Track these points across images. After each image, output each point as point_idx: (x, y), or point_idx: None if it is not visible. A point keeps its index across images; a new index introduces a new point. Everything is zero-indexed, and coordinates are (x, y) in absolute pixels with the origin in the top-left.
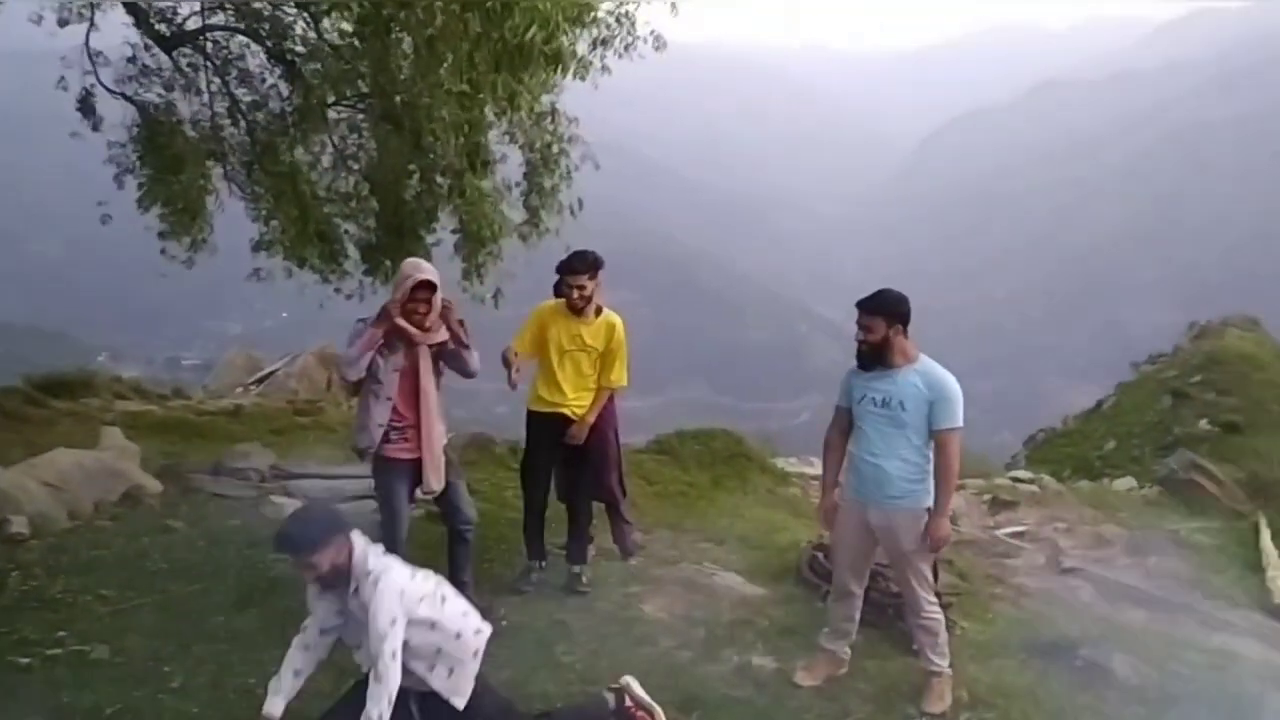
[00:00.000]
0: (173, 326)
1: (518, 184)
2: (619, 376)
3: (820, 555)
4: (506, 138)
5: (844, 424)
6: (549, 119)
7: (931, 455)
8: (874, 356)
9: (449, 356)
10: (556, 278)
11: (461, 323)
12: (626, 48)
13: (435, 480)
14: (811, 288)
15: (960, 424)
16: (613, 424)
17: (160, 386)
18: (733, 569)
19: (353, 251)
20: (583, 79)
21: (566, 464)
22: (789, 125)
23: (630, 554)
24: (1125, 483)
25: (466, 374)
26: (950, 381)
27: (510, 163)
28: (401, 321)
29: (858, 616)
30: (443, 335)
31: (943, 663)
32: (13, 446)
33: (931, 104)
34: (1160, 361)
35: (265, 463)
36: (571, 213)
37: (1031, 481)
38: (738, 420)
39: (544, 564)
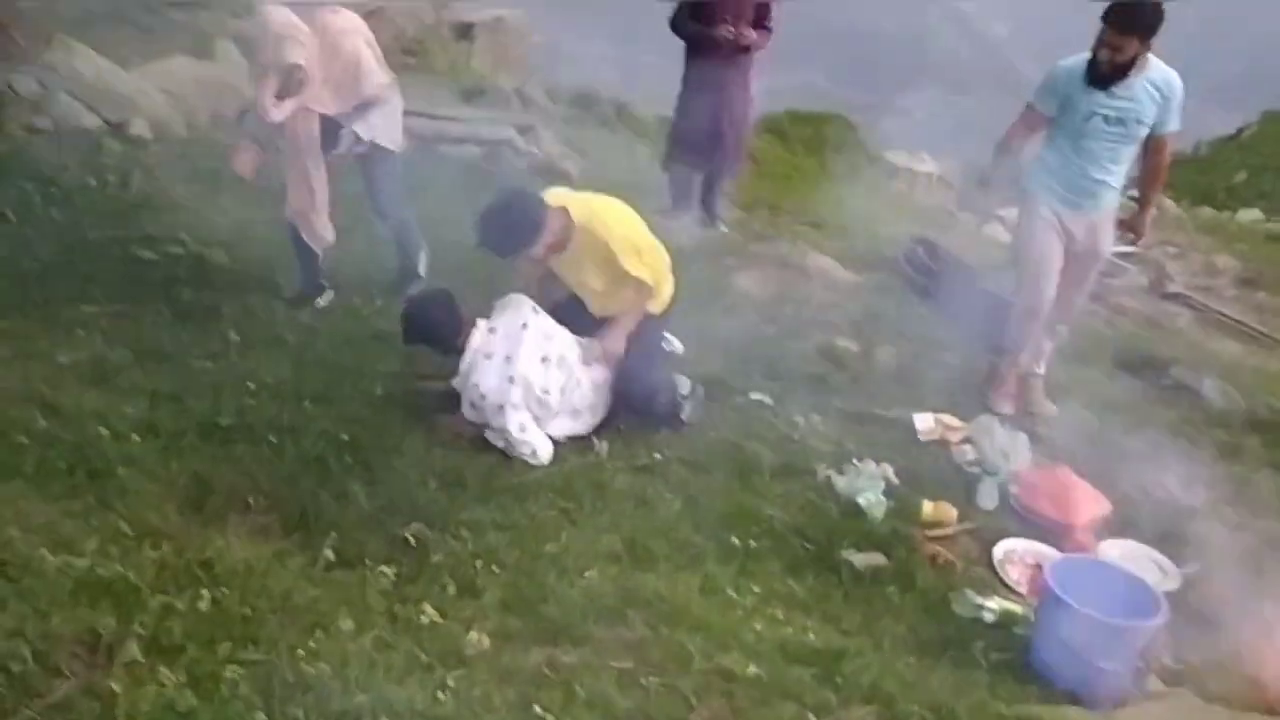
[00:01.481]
0: None
1: None
2: None
3: (920, 250)
4: None
5: (1036, 127)
6: None
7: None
8: (1117, 76)
9: None
10: None
11: None
12: None
13: None
14: None
15: (1179, 126)
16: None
17: None
18: (828, 254)
19: None
20: None
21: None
22: None
23: (717, 219)
24: (1250, 214)
25: None
26: (1178, 82)
27: None
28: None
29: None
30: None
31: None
32: (130, 52)
33: None
34: None
35: None
36: None
37: None
38: (852, 110)
39: None
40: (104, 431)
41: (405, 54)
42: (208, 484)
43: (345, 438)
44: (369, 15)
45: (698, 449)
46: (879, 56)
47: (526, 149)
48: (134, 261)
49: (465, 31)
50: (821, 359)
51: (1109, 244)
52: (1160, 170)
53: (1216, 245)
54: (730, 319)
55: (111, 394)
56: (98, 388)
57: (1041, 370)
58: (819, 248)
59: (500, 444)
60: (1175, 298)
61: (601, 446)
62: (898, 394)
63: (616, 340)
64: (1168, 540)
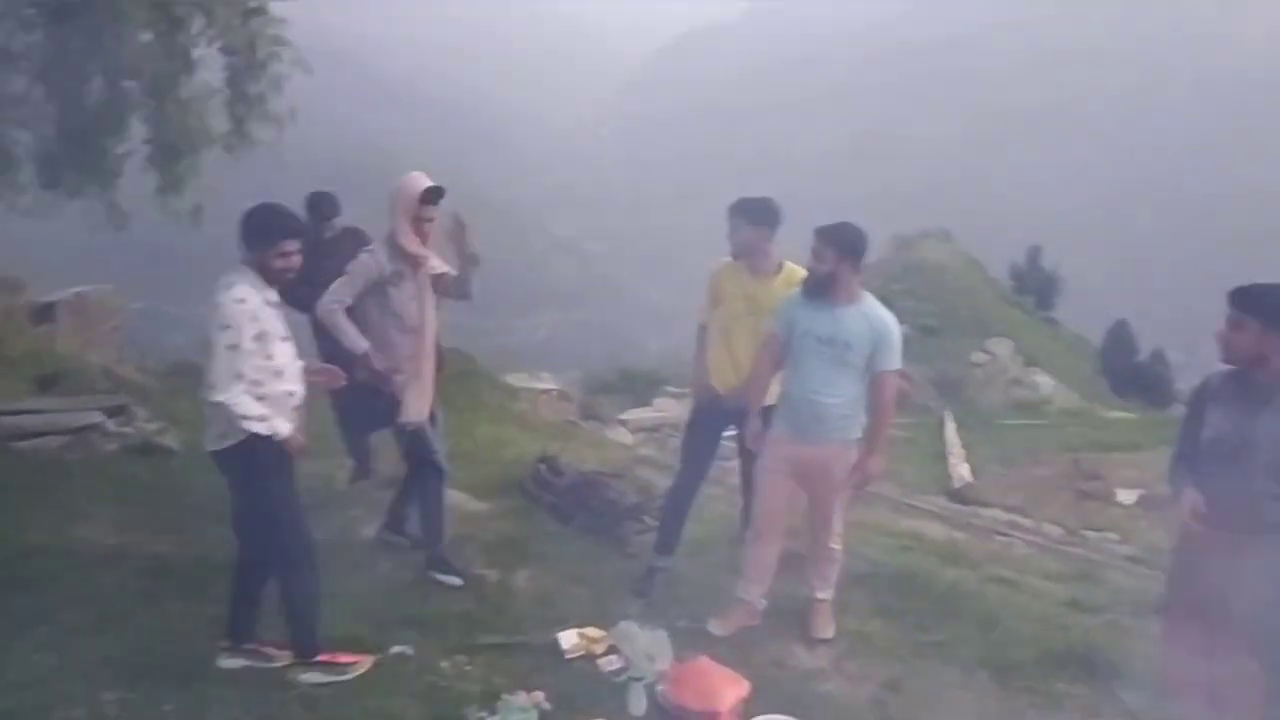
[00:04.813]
0: None
1: (220, 90)
2: None
3: (543, 467)
4: (203, 38)
5: (777, 352)
6: (255, 18)
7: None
8: (819, 287)
9: (449, 280)
10: (265, 193)
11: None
12: None
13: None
14: (546, 204)
15: (900, 365)
16: None
17: None
18: (457, 486)
19: (28, 163)
20: None
21: None
22: (518, 40)
23: None
24: None
25: (465, 296)
26: (894, 322)
27: (213, 67)
28: (414, 246)
29: (775, 563)
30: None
31: (831, 592)
32: None
33: (660, 19)
34: (865, 272)
35: None
36: (282, 124)
37: None
38: (475, 338)
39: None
40: None
41: None
42: None
43: None
44: None
45: None
46: (495, 284)
47: (118, 430)
48: None
49: (46, 313)
50: (462, 594)
51: (840, 478)
52: (883, 408)
53: None
54: (361, 573)
55: None
56: None
57: (825, 596)
58: (447, 481)
59: None
60: None
61: None
62: (542, 616)
63: None
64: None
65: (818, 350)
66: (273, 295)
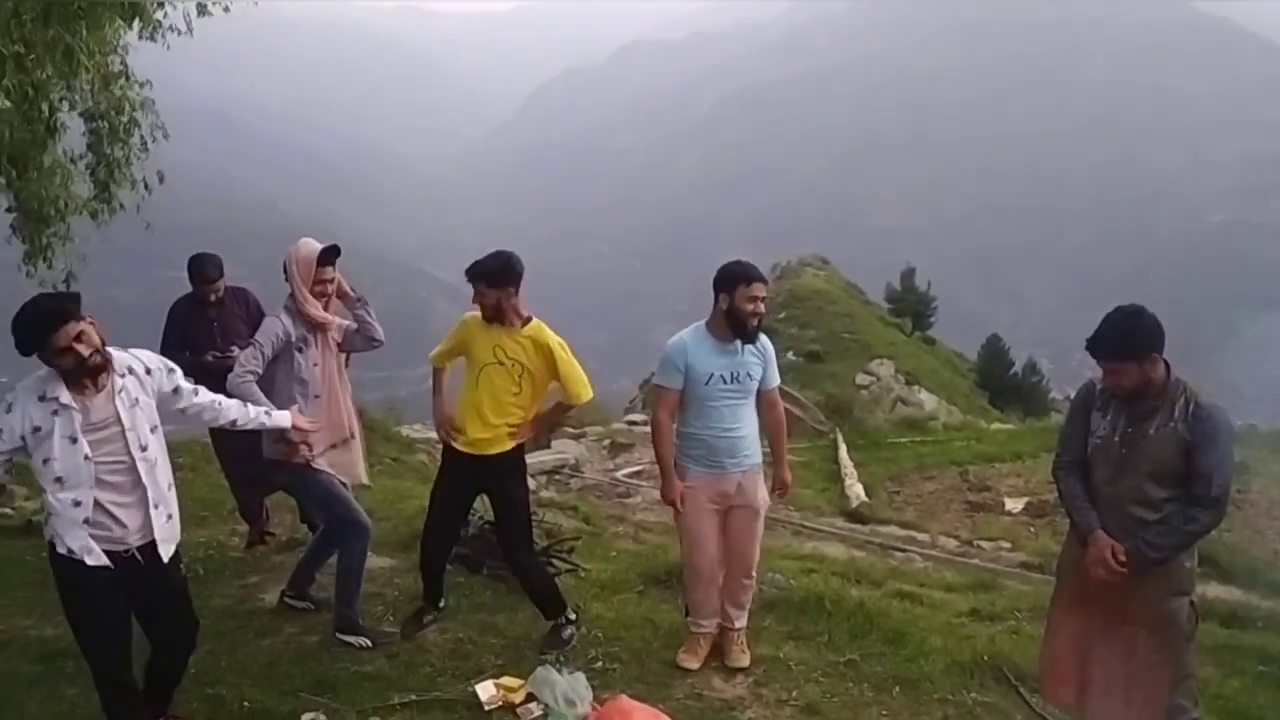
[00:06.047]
0: None
1: (82, 156)
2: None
3: None
4: (65, 104)
5: (674, 405)
6: (118, 82)
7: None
8: (758, 329)
9: (353, 334)
10: (136, 257)
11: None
12: (203, 7)
13: (364, 472)
14: (424, 250)
15: (779, 380)
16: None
17: None
18: None
19: None
20: (152, 39)
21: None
22: (388, 86)
23: None
24: None
25: (375, 342)
26: (769, 342)
27: (72, 132)
28: (318, 313)
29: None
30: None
31: (746, 620)
32: None
33: (527, 63)
34: None
35: None
36: (146, 187)
37: (646, 423)
38: (364, 391)
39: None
40: None
41: None
42: None
43: None
44: None
45: None
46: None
47: None
48: None
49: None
50: (370, 655)
51: (763, 496)
52: (778, 423)
53: None
54: (265, 640)
55: None
56: None
57: (741, 625)
58: None
59: None
60: None
61: None
62: (457, 669)
63: None
64: None
65: (726, 391)
66: (59, 391)
